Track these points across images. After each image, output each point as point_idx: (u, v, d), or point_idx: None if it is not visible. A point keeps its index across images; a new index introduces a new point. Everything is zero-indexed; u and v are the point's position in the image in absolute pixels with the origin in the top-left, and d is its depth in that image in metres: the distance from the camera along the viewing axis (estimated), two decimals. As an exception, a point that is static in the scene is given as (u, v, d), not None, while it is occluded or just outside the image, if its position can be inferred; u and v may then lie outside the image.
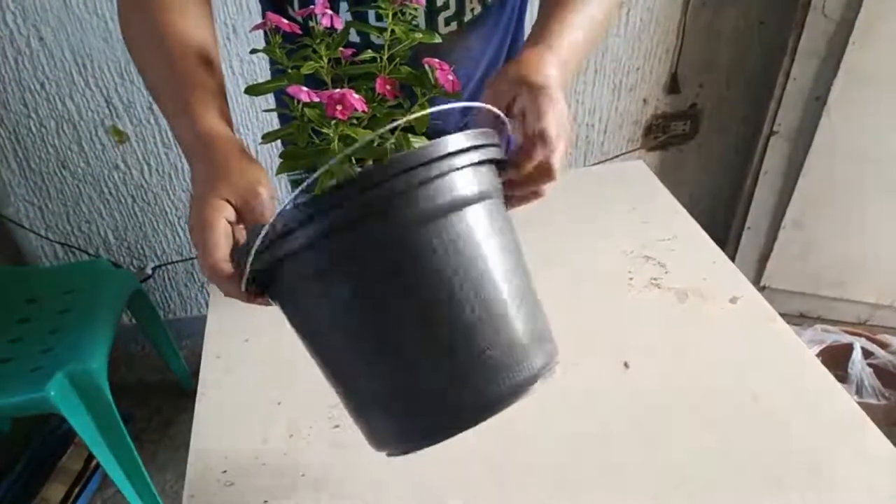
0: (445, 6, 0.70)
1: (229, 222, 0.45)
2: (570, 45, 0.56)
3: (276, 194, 0.47)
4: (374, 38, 0.69)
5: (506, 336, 0.40)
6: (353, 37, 0.71)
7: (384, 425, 0.43)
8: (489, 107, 0.48)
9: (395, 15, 0.53)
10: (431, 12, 0.70)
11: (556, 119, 0.49)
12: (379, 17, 0.55)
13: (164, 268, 1.88)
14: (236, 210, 0.46)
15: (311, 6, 0.52)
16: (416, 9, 0.54)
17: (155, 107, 1.60)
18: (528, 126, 0.49)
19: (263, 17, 0.60)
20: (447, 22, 0.72)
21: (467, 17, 0.73)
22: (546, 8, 0.61)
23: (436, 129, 0.83)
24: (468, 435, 0.65)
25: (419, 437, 0.42)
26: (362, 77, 0.54)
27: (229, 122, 0.53)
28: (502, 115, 0.48)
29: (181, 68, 0.54)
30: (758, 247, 1.84)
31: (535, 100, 0.49)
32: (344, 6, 0.69)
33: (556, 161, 0.49)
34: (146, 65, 0.58)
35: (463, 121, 0.85)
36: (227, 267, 0.44)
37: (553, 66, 0.53)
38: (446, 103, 0.71)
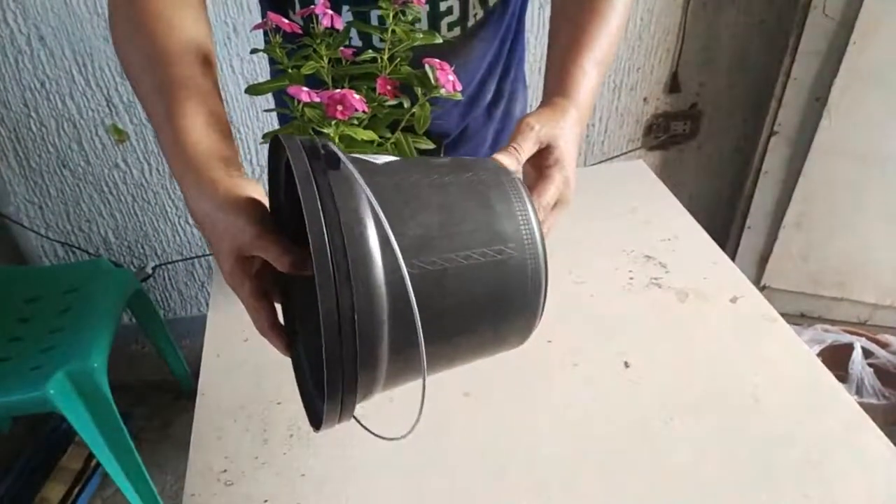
0: (449, 11, 0.70)
1: (255, 273, 0.45)
2: (587, 96, 0.59)
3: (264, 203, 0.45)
4: (375, 40, 0.69)
5: None
6: (356, 41, 0.71)
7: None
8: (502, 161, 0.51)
9: (395, 15, 0.53)
10: (435, 17, 0.70)
11: (564, 192, 0.54)
12: (381, 20, 0.55)
13: (164, 267, 1.88)
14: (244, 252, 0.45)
15: (313, 6, 0.52)
16: (417, 10, 0.54)
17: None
18: (541, 189, 0.53)
19: (263, 17, 0.59)
20: (450, 27, 0.72)
21: (470, 22, 0.73)
22: (560, 49, 0.62)
23: (437, 130, 0.83)
24: (469, 434, 0.65)
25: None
26: (363, 77, 0.54)
27: (222, 123, 0.51)
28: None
29: (168, 70, 0.52)
30: (758, 247, 1.84)
31: (556, 170, 0.54)
32: (345, 7, 0.69)
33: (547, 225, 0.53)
34: (132, 67, 0.55)
35: (463, 122, 0.85)
36: (275, 334, 0.47)
37: (577, 124, 0.57)
38: (446, 103, 0.71)
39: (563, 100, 0.57)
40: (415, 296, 0.36)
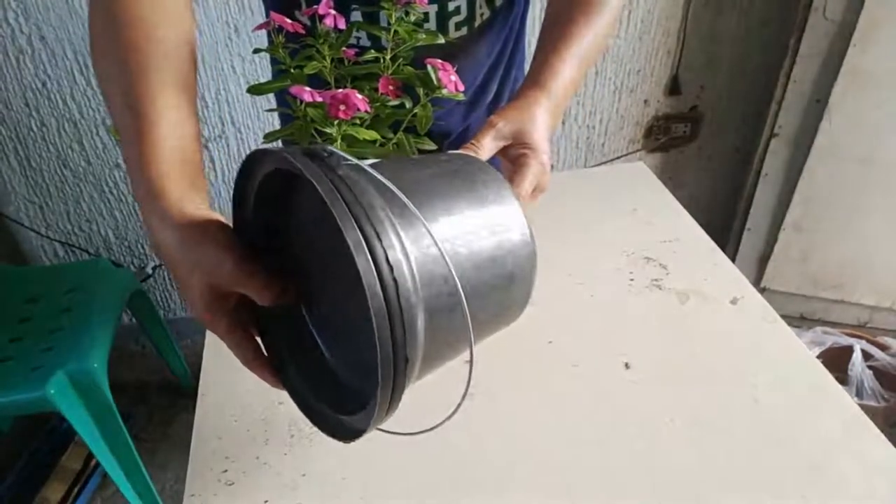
0: (457, 11, 0.71)
1: (229, 309, 0.43)
2: (565, 86, 0.61)
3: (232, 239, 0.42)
4: (383, 41, 0.70)
5: None
6: (364, 41, 0.71)
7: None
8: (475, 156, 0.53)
9: (399, 17, 0.53)
10: (443, 17, 0.71)
11: (541, 179, 0.56)
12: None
13: (164, 267, 1.88)
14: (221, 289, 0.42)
15: (316, 6, 0.53)
16: (420, 10, 0.55)
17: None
18: (518, 180, 0.55)
19: (266, 17, 0.59)
20: (458, 27, 0.72)
21: (477, 22, 0.73)
22: (544, 41, 0.64)
23: (439, 131, 0.84)
24: (469, 434, 0.65)
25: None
26: (366, 77, 0.54)
27: (194, 148, 0.47)
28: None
29: (142, 84, 0.47)
30: (758, 248, 1.84)
31: (531, 159, 0.56)
32: (353, 8, 0.69)
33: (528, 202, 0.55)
34: (105, 77, 0.50)
35: (465, 122, 0.85)
36: (260, 364, 0.45)
37: (549, 114, 0.59)
38: (448, 103, 0.71)
39: (535, 91, 0.59)
40: (436, 280, 0.38)
